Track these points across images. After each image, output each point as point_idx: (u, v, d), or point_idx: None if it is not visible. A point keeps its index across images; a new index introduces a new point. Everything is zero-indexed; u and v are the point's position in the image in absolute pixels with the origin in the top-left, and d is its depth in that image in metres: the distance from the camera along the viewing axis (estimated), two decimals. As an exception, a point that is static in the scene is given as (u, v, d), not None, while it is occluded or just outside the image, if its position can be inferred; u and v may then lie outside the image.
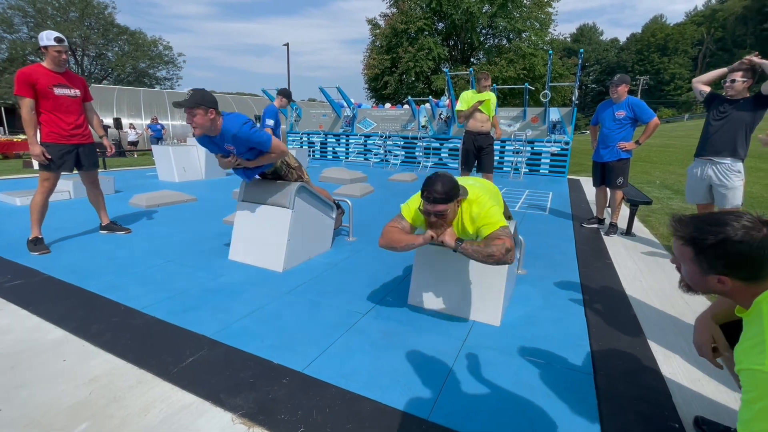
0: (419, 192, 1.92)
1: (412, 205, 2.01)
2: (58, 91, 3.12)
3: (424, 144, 10.90)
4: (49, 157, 3.13)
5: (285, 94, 5.26)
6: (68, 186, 5.51)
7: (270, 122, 5.02)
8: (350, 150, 12.26)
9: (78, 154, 3.36)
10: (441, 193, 1.73)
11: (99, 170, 3.76)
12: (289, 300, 2.45)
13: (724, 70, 2.99)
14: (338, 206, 3.65)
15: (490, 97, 4.79)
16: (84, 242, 3.52)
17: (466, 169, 5.09)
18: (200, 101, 2.46)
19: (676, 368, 1.80)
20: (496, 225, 1.82)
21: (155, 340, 1.95)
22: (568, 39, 46.34)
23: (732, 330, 1.17)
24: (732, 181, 2.98)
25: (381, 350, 1.91)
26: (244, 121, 2.62)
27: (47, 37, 3.01)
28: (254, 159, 2.85)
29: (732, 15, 55.41)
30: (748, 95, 2.91)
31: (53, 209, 4.53)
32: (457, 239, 1.83)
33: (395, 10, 26.65)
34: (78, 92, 3.28)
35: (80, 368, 1.73)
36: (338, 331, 2.08)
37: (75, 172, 3.53)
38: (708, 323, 1.23)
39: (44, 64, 3.09)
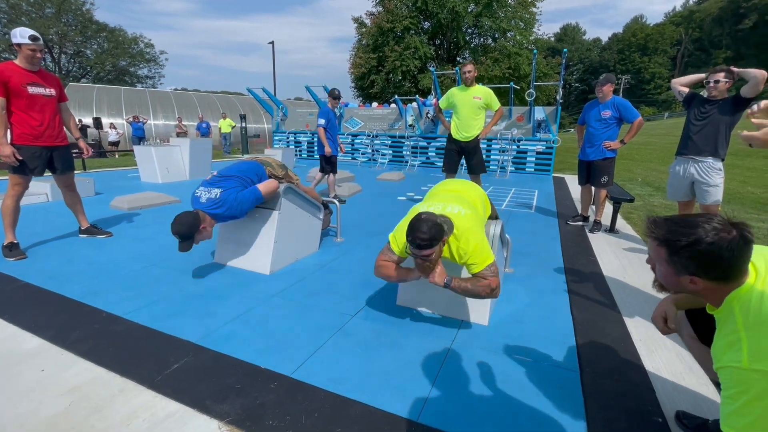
0: (405, 219, 1.99)
1: (399, 238, 2.02)
2: (32, 89, 3.00)
3: (412, 143, 10.92)
4: (20, 158, 3.01)
5: (332, 95, 5.48)
6: (46, 188, 5.32)
7: (322, 121, 5.34)
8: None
9: (51, 157, 3.25)
10: (426, 239, 1.74)
11: (78, 172, 3.63)
12: (276, 303, 2.42)
13: (702, 75, 3.12)
14: (326, 207, 3.63)
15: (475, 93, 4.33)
16: (62, 247, 3.41)
17: (450, 172, 4.62)
18: (188, 233, 2.48)
19: (659, 363, 1.85)
20: (484, 264, 1.87)
21: (138, 347, 1.90)
22: (552, 39, 47.10)
23: (697, 315, 1.35)
24: (714, 178, 3.06)
25: (370, 352, 1.90)
26: (231, 207, 2.61)
27: (21, 35, 2.89)
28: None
29: (708, 16, 57.00)
30: (727, 96, 3.00)
31: (31, 213, 4.39)
32: (446, 278, 1.91)
33: (381, 9, 26.58)
34: (53, 92, 3.17)
35: (59, 378, 1.67)
36: (327, 333, 2.06)
37: (48, 174, 3.40)
38: (665, 303, 1.43)
39: (17, 62, 2.98)
